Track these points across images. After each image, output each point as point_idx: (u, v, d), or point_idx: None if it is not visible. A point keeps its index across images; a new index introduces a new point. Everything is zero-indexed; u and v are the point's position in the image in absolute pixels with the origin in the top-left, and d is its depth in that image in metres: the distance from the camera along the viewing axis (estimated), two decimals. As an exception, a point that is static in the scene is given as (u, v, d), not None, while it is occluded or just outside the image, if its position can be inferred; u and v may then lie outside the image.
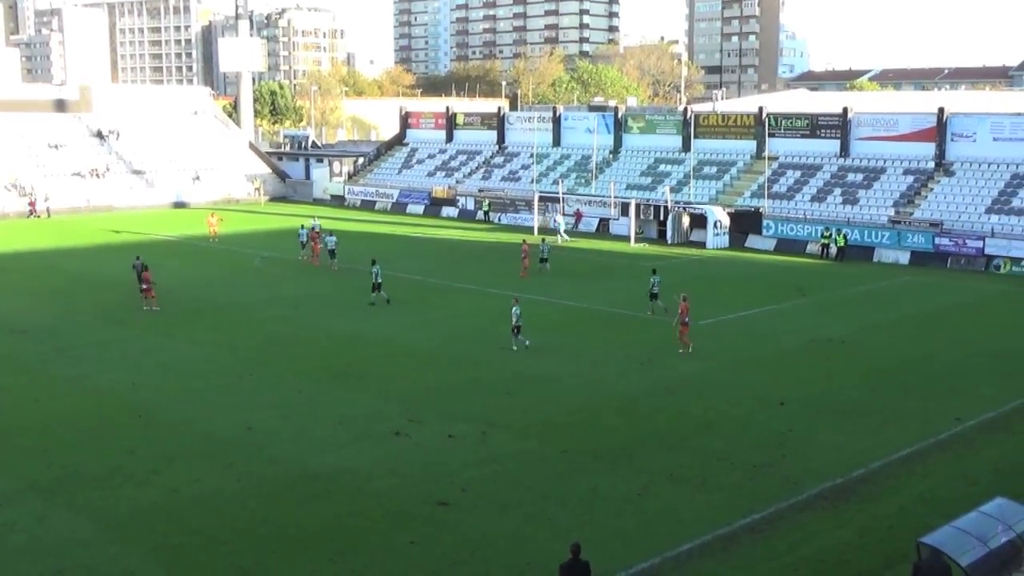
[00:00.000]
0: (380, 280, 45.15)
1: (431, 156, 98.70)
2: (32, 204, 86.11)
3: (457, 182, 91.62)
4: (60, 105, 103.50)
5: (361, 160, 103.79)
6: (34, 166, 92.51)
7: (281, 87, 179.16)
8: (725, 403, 30.71)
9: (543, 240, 58.44)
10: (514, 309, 36.84)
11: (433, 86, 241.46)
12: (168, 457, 25.71)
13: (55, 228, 77.27)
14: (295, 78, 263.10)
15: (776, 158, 75.44)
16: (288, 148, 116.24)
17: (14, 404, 30.60)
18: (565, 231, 70.07)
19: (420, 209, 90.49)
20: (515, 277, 52.66)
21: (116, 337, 39.50)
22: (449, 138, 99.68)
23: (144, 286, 44.57)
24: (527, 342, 36.73)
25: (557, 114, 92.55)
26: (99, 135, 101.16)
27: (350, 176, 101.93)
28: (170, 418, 29.11)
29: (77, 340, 38.95)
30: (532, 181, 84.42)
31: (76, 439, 27.21)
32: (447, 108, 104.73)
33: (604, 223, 75.64)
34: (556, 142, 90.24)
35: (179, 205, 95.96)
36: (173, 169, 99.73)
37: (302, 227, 62.43)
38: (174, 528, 21.46)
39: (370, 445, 26.92)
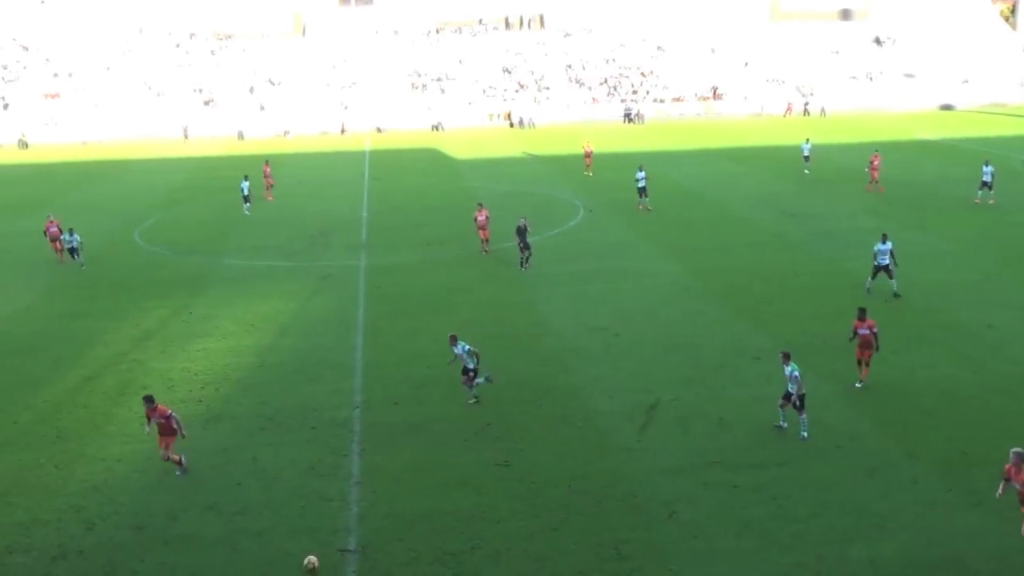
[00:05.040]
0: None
1: None
2: (790, 106, 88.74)
3: None
4: (845, 14, 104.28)
5: None
6: (815, 70, 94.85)
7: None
8: None
9: None
10: None
11: None
12: (910, 340, 25.27)
13: (826, 125, 78.76)
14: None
15: None
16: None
17: (773, 275, 32.40)
18: None
19: None
20: None
21: (870, 226, 39.44)
22: None
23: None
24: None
25: None
26: (876, 41, 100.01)
27: None
28: (917, 305, 28.49)
29: (838, 226, 39.74)
30: None
31: (828, 312, 27.94)
32: None
33: None
34: None
35: (945, 107, 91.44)
36: (943, 73, 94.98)
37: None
38: (906, 405, 21.22)
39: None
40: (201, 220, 45.71)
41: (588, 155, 55.62)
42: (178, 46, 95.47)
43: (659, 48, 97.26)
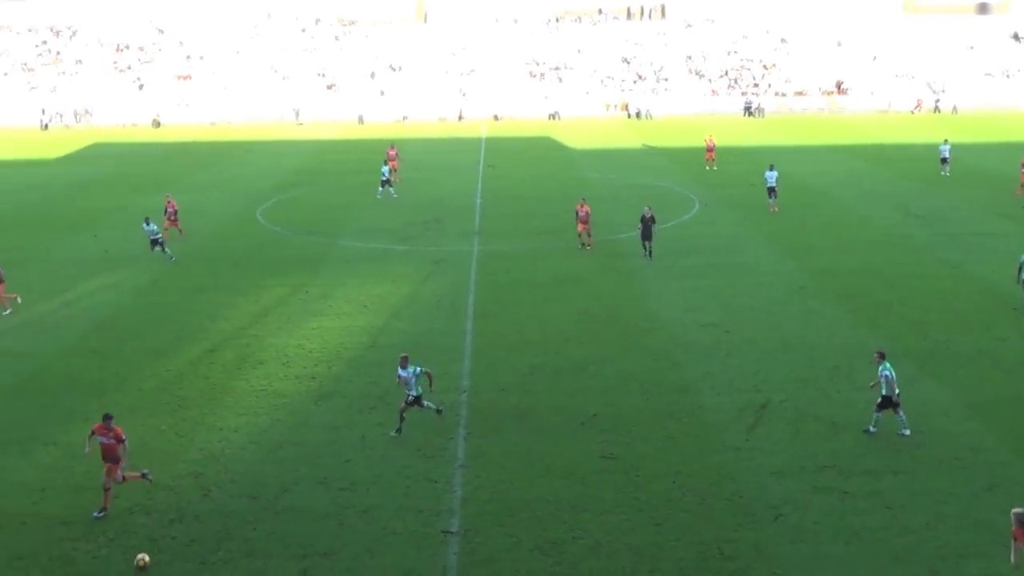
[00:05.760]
0: None
1: None
2: (920, 103, 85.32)
3: None
4: (982, 8, 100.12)
5: None
6: (948, 66, 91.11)
7: None
8: None
9: None
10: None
11: None
12: (1037, 351, 24.14)
13: (958, 123, 75.57)
14: None
15: None
16: None
17: (894, 277, 31.28)
18: None
19: None
20: None
21: (1001, 230, 37.78)
22: None
23: None
24: None
25: None
26: (1015, 37, 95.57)
27: None
28: (1045, 315, 27.15)
29: (965, 228, 38.21)
30: None
31: (951, 318, 26.98)
32: None
33: None
34: None
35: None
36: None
37: None
38: (1033, 419, 20.29)
39: None
40: (320, 202, 46.83)
41: (710, 148, 54.70)
42: (304, 31, 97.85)
43: (783, 40, 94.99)
